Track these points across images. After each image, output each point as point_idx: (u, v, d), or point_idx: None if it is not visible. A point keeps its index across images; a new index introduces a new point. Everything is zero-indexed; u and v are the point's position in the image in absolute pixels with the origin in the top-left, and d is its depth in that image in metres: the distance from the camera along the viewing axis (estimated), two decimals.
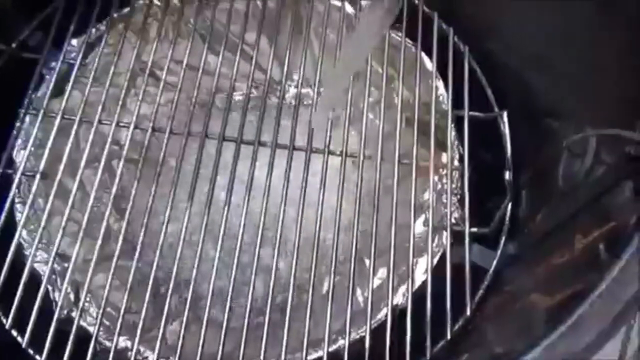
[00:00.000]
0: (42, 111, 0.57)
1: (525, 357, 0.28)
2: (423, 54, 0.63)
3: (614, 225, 0.34)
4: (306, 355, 0.50)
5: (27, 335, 0.49)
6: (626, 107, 0.41)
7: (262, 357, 0.50)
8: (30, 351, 0.49)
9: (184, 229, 0.54)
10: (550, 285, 0.39)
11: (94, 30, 0.62)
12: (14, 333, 0.50)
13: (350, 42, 0.55)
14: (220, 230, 0.54)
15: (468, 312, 0.51)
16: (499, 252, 0.54)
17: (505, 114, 0.56)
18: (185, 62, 0.61)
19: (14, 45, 0.60)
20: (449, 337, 0.50)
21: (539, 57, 0.55)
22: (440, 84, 0.62)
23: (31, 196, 0.54)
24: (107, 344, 0.52)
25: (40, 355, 0.49)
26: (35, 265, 0.53)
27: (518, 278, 0.49)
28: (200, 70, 0.60)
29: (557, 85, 0.52)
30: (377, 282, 0.60)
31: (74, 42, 0.61)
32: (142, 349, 0.52)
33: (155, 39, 0.62)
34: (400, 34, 0.63)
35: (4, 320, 0.50)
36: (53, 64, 0.60)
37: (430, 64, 0.62)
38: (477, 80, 0.62)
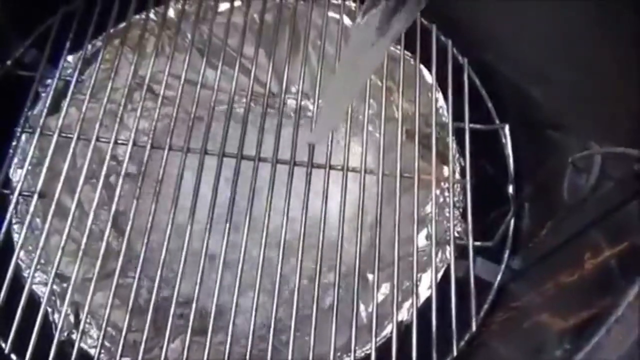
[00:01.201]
0: (38, 129, 0.56)
1: None
2: (422, 67, 0.63)
3: (627, 245, 0.34)
4: None
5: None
6: (631, 120, 0.40)
7: None
8: None
9: (185, 246, 0.53)
10: (560, 305, 0.39)
11: (90, 46, 0.61)
12: (14, 357, 0.49)
13: (346, 57, 0.54)
14: (222, 247, 0.53)
15: (474, 328, 0.51)
16: (503, 266, 0.54)
17: (507, 127, 0.56)
18: (183, 76, 0.60)
19: (8, 62, 0.59)
20: (455, 354, 0.50)
21: (539, 69, 0.55)
22: (440, 96, 0.62)
23: (29, 216, 0.53)
24: None
25: None
26: (34, 286, 0.52)
27: (525, 294, 0.49)
28: (199, 85, 0.60)
29: (558, 97, 0.52)
30: (380, 297, 0.59)
31: (70, 58, 0.61)
32: None
33: (152, 54, 0.61)
34: (399, 47, 0.63)
35: (3, 345, 0.49)
36: (49, 81, 0.59)
37: (429, 77, 0.62)
38: (477, 92, 0.61)
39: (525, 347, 0.41)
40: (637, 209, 0.35)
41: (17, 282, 0.51)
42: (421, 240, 0.58)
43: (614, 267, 0.34)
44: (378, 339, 0.52)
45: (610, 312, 0.28)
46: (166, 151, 0.57)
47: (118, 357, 0.49)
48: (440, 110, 0.61)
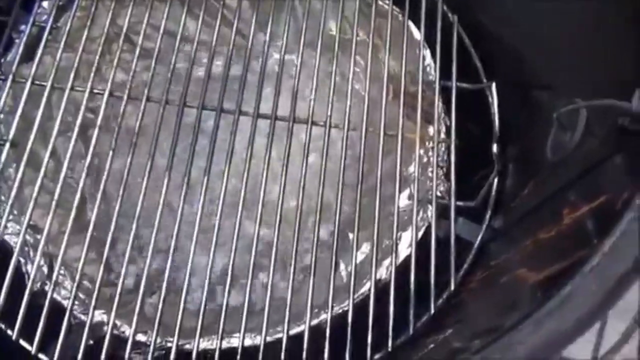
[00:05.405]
0: (11, 76, 0.54)
1: (511, 333, 0.27)
2: (410, 23, 0.61)
3: (604, 200, 0.33)
4: (288, 329, 0.50)
5: None
6: (619, 78, 0.39)
7: (242, 330, 0.49)
8: (2, 326, 0.48)
9: (161, 200, 0.52)
10: (537, 260, 0.38)
11: None
12: None
13: None
14: (199, 203, 0.52)
15: (452, 287, 0.51)
16: (484, 225, 0.53)
17: (493, 85, 0.54)
18: (162, 27, 0.58)
19: None
20: (432, 311, 0.49)
21: (529, 27, 0.54)
22: (428, 53, 0.60)
23: (0, 165, 0.52)
24: (83, 317, 0.50)
25: (12, 330, 0.47)
26: (6, 237, 0.51)
27: (504, 253, 0.48)
28: (179, 36, 0.58)
29: (547, 56, 0.51)
30: (360, 256, 0.59)
31: (45, 4, 0.58)
32: (118, 323, 0.51)
33: (131, 2, 0.59)
34: (387, 2, 0.61)
35: None
36: (23, 27, 0.57)
37: (417, 33, 0.60)
38: (465, 50, 0.60)
39: (500, 302, 0.40)
40: (617, 164, 0.34)
41: None
42: (403, 199, 0.57)
43: (590, 221, 0.34)
44: (356, 296, 0.51)
45: (585, 262, 0.28)
46: (144, 102, 0.55)
47: (91, 309, 0.48)
48: (428, 69, 0.60)
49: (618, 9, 0.42)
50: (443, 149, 0.57)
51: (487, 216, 0.54)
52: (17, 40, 0.57)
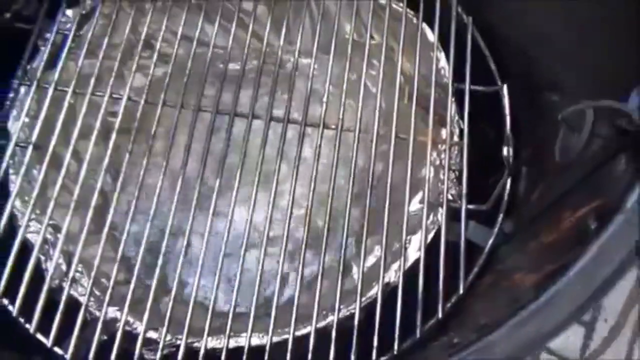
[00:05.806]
0: (35, 82, 0.57)
1: (489, 338, 0.26)
2: (425, 25, 0.61)
3: (600, 202, 0.32)
4: (294, 330, 0.50)
5: (17, 304, 0.49)
6: (626, 78, 0.38)
7: (249, 330, 0.50)
8: (21, 320, 0.50)
9: (175, 201, 0.53)
10: (537, 263, 0.37)
11: (88, 0, 0.61)
12: (5, 301, 0.50)
13: None
14: (211, 203, 0.53)
15: (461, 290, 0.50)
16: (495, 229, 0.52)
17: (505, 87, 0.54)
18: (180, 32, 0.59)
19: (7, 15, 0.59)
20: (440, 316, 0.49)
21: (541, 30, 0.53)
22: (442, 56, 0.60)
23: (24, 167, 0.54)
24: (98, 314, 0.52)
25: (30, 324, 0.49)
26: (28, 235, 0.53)
27: (510, 257, 0.47)
28: (195, 41, 0.59)
29: (558, 59, 0.50)
30: (373, 260, 0.59)
31: (69, 12, 0.61)
32: (131, 320, 0.52)
33: (151, 10, 0.61)
34: (401, 5, 0.61)
35: None
36: (47, 35, 0.59)
37: (432, 36, 0.60)
38: (480, 53, 0.59)
39: (502, 307, 0.40)
40: (621, 164, 0.33)
41: (12, 231, 0.52)
42: (415, 203, 0.57)
43: (586, 224, 0.33)
44: (364, 299, 0.51)
45: (574, 264, 0.27)
46: (160, 107, 0.57)
47: (105, 306, 0.50)
48: (442, 71, 0.59)
49: (623, 9, 0.41)
50: (456, 151, 0.56)
51: (499, 220, 0.53)
52: (42, 48, 0.59)
